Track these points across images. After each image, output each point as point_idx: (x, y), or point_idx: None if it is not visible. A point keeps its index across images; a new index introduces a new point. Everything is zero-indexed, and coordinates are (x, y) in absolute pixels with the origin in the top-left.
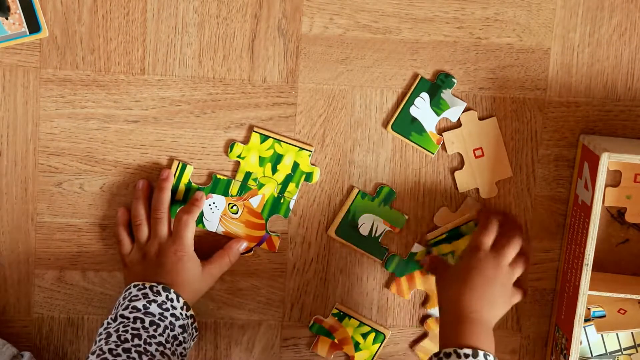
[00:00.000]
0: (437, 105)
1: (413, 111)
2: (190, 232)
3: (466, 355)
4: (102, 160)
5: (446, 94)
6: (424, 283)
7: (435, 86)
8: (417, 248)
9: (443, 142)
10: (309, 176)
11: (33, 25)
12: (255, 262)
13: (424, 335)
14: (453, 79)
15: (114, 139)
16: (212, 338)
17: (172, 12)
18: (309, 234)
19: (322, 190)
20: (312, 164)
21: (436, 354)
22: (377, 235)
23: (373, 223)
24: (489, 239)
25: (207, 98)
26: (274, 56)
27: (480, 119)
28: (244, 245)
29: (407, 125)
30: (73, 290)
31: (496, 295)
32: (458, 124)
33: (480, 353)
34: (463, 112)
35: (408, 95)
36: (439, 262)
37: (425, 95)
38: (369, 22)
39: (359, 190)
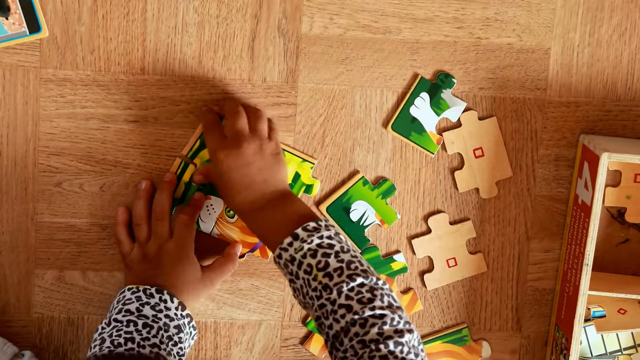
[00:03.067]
0: (437, 105)
1: (413, 111)
2: (190, 235)
3: (298, 237)
4: (102, 160)
5: (446, 94)
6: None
7: (435, 86)
8: (399, 258)
9: (443, 142)
10: (309, 188)
11: (33, 25)
12: (255, 262)
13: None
14: (453, 79)
15: (114, 139)
16: (212, 338)
17: (172, 12)
18: None
19: (321, 190)
20: (314, 177)
21: (277, 256)
22: (365, 224)
23: (365, 212)
24: (243, 122)
25: (207, 98)
26: (274, 56)
27: (480, 119)
28: (240, 249)
29: (407, 125)
30: (73, 290)
31: (265, 166)
32: (458, 124)
33: (311, 224)
34: (463, 112)
35: (408, 95)
36: (207, 170)
37: (425, 95)
38: (369, 22)
39: (363, 176)
